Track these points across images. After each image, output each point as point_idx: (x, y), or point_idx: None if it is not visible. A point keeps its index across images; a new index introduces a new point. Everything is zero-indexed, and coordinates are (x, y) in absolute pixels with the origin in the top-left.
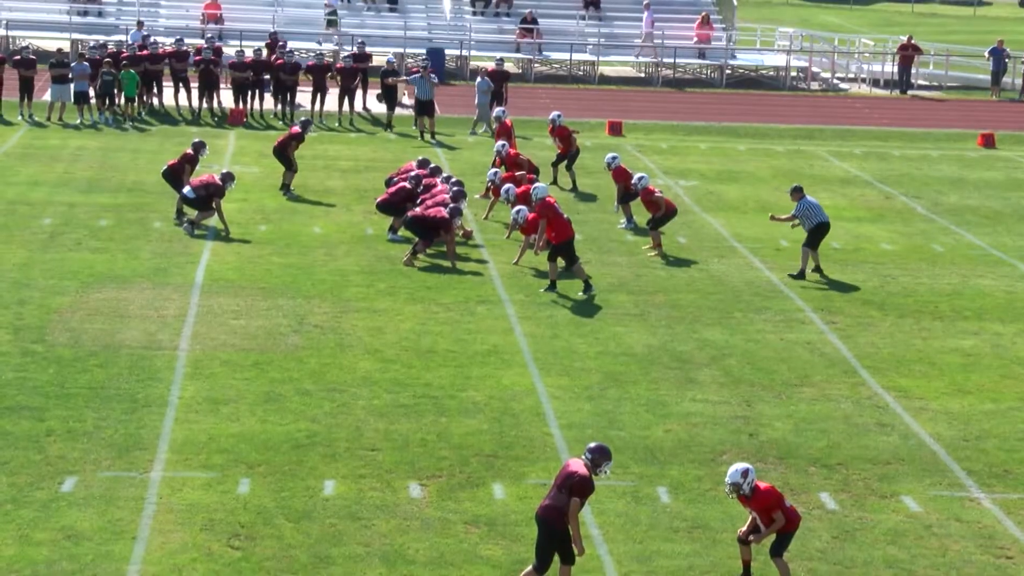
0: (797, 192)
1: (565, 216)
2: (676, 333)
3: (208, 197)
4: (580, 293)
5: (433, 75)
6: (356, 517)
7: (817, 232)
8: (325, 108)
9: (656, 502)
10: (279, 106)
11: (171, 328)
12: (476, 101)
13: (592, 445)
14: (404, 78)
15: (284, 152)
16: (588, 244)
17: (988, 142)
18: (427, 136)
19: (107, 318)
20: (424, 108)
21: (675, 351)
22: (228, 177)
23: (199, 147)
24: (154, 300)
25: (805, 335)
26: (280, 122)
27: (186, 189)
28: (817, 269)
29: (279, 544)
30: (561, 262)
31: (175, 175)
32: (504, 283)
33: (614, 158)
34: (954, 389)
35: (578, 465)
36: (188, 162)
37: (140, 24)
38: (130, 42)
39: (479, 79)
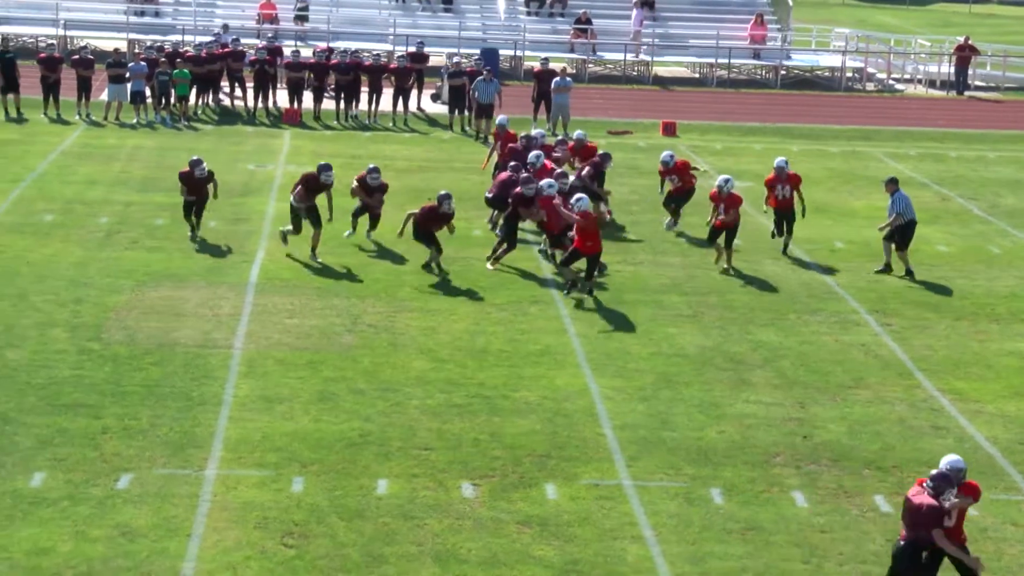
0: (892, 183)
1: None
2: (730, 334)
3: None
4: (565, 292)
5: (495, 79)
6: (409, 516)
7: (905, 229)
8: (380, 108)
9: (709, 503)
10: (338, 106)
11: (226, 327)
12: (555, 99)
13: (934, 472)
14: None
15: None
16: (642, 245)
17: None
18: (483, 137)
19: (162, 316)
20: (484, 111)
21: (729, 352)
22: (324, 168)
23: (323, 169)
24: (209, 299)
25: (860, 337)
26: (335, 122)
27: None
28: (908, 273)
29: (332, 543)
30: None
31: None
32: (557, 283)
33: (671, 156)
34: (1011, 392)
35: (921, 497)
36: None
37: (226, 27)
38: (225, 42)
39: (558, 78)
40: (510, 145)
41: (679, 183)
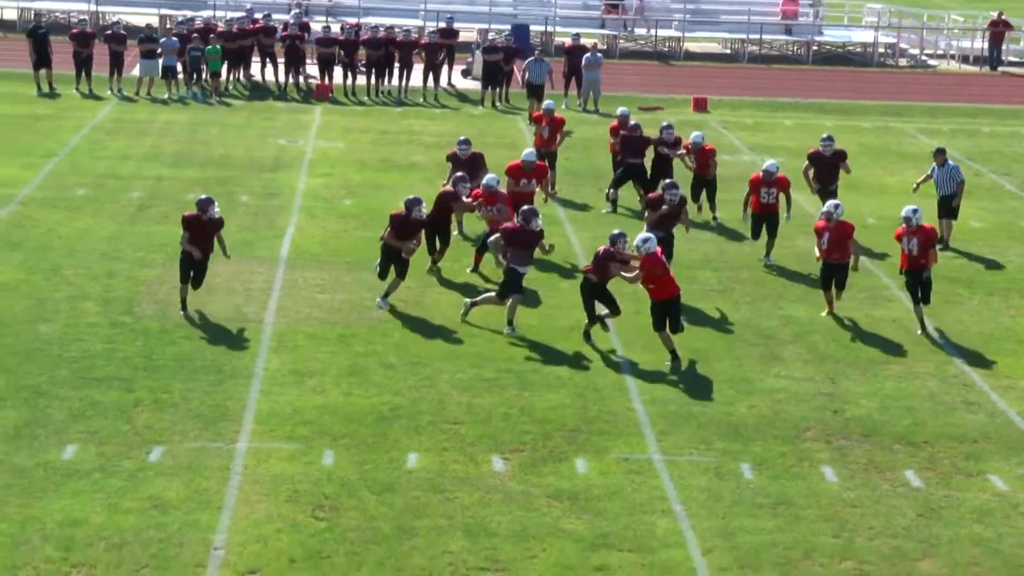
0: (940, 154)
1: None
2: (760, 309)
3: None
4: (666, 363)
5: (544, 59)
6: (439, 490)
7: (945, 201)
8: (411, 83)
9: (739, 478)
10: (369, 81)
11: (257, 301)
12: (586, 75)
13: None
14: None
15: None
16: None
17: None
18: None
19: (194, 291)
20: (535, 91)
21: (759, 327)
22: (460, 180)
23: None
24: (240, 273)
25: (891, 312)
26: (367, 97)
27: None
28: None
29: (363, 515)
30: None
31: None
32: (587, 258)
33: (776, 167)
34: None
35: None
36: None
37: (299, 4)
38: (291, 21)
39: (589, 54)
40: (622, 132)
41: (774, 199)
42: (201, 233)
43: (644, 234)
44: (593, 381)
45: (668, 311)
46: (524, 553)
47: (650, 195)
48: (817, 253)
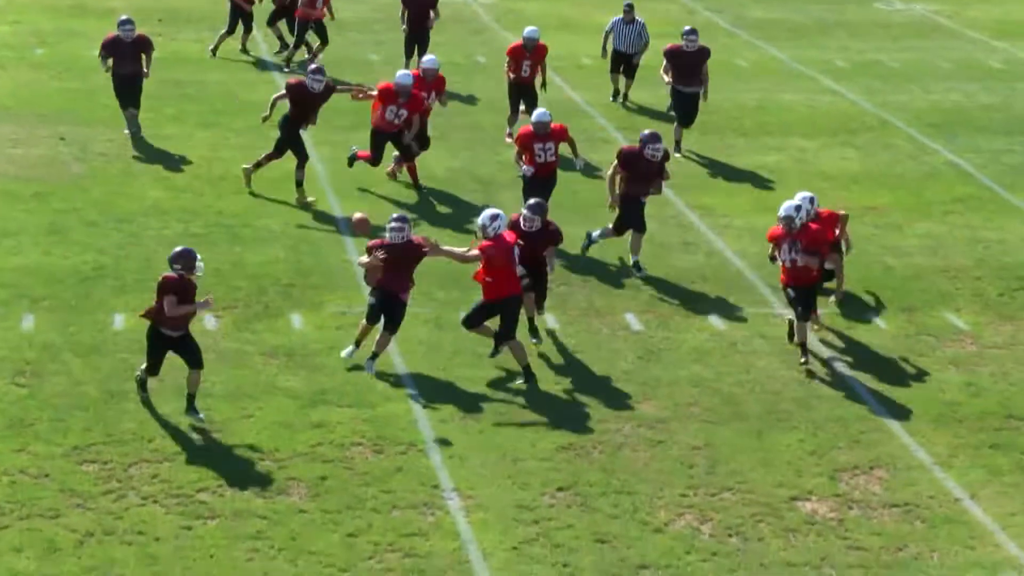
0: (629, 11)
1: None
2: (477, 155)
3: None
4: (519, 382)
5: None
6: None
7: (623, 58)
8: None
9: (459, 329)
10: None
11: None
12: None
13: None
14: None
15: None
16: (382, 66)
17: None
18: None
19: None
20: None
21: (476, 174)
22: (315, 73)
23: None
24: None
25: (607, 155)
26: None
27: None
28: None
29: (68, 380)
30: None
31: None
32: None
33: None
34: (758, 206)
35: None
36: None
37: None
38: None
39: None
40: None
41: (553, 155)
42: (186, 298)
43: (492, 210)
44: (307, 235)
45: (500, 312)
46: (240, 412)
47: (624, 148)
48: (782, 275)
